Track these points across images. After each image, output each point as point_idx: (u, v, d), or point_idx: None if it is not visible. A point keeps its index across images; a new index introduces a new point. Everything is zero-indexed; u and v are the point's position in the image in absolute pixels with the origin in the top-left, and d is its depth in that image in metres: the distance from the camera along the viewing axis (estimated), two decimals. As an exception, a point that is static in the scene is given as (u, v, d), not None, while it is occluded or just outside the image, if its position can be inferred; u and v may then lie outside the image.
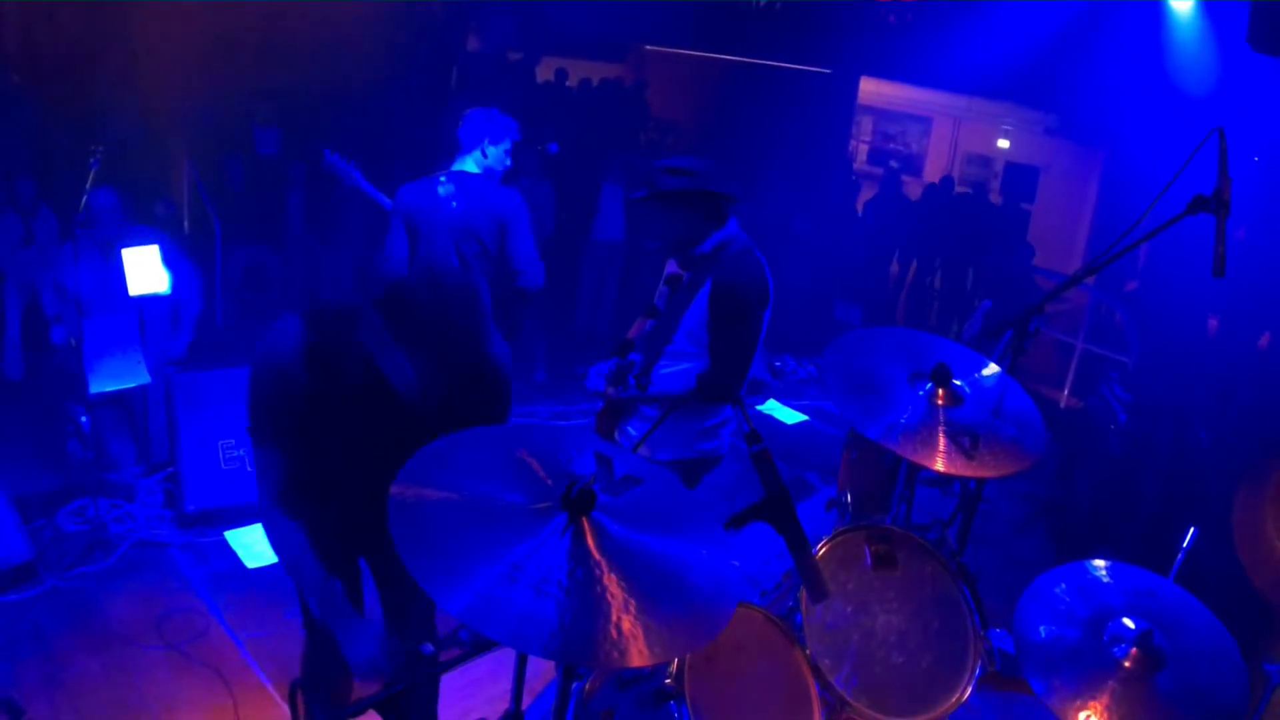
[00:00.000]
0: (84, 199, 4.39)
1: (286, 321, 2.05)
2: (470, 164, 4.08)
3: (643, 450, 3.09)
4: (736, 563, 1.83)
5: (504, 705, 2.02)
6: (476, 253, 4.12)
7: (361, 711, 1.64)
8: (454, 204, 4.03)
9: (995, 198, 10.78)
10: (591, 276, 7.92)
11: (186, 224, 7.05)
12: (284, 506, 2.10)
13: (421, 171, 4.16)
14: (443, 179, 4.06)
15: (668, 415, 3.01)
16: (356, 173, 4.47)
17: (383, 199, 4.37)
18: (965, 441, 2.55)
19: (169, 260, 4.92)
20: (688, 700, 2.13)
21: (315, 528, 2.14)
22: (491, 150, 4.07)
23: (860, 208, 9.62)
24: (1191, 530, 2.60)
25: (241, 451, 4.68)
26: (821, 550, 2.59)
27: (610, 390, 3.22)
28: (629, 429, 3.26)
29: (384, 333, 1.93)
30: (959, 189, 9.70)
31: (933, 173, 11.97)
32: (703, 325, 3.04)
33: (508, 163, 4.18)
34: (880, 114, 13.41)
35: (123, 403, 4.79)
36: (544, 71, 10.18)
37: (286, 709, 2.66)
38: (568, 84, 9.99)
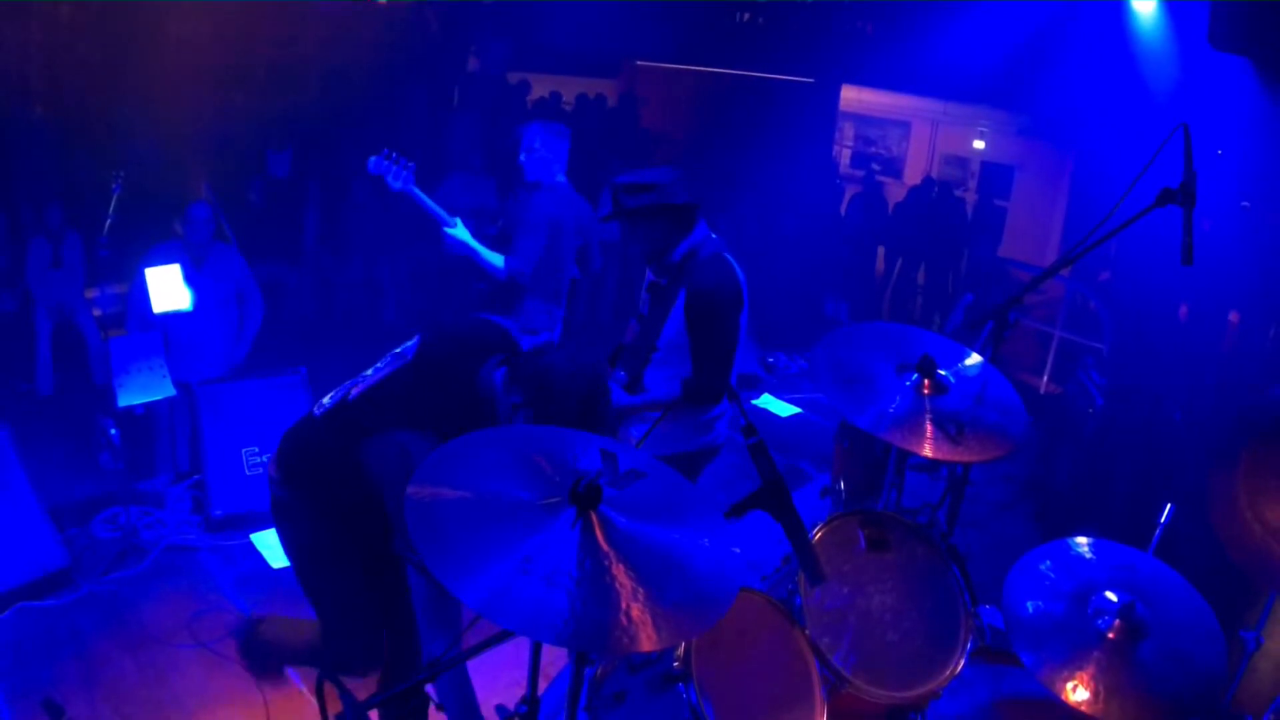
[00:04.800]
0: (107, 222, 4.39)
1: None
2: (562, 174, 4.26)
3: (645, 447, 3.08)
4: (737, 549, 1.83)
5: (520, 691, 2.02)
6: (580, 246, 4.40)
7: (375, 706, 1.64)
8: (574, 208, 4.31)
9: (972, 196, 10.78)
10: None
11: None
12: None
13: (424, 185, 4.15)
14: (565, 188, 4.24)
15: (664, 418, 3.00)
16: (407, 176, 3.90)
17: (433, 207, 3.99)
18: (951, 428, 2.55)
19: (241, 279, 4.97)
20: (695, 681, 2.13)
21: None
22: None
23: (844, 210, 9.61)
24: (1168, 506, 2.60)
25: (264, 458, 4.67)
26: (817, 535, 2.59)
27: None
28: (628, 429, 3.25)
29: None
30: (938, 189, 9.69)
31: (913, 174, 11.96)
32: (683, 332, 3.00)
33: None
34: (861, 120, 13.38)
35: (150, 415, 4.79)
36: (543, 88, 10.18)
37: (314, 701, 2.66)
38: (563, 101, 10.00)
